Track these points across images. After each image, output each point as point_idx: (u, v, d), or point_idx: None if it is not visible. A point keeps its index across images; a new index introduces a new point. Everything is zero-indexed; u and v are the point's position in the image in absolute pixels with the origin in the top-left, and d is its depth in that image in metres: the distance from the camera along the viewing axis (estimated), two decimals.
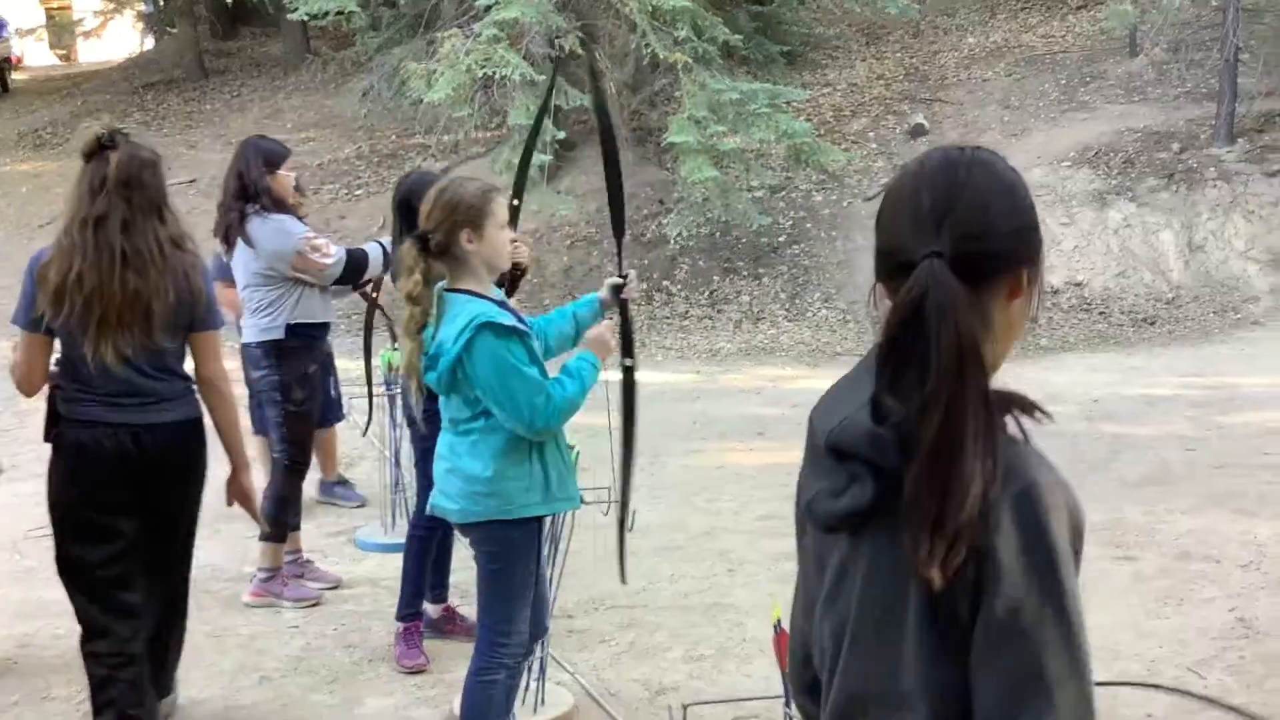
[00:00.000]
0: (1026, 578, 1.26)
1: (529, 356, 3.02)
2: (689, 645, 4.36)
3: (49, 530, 3.64)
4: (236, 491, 3.49)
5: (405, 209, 4.15)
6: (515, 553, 3.10)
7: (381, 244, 4.67)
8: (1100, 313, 10.66)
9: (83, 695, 3.98)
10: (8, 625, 4.63)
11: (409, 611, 4.24)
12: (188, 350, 3.36)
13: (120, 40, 24.17)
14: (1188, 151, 11.91)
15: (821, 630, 1.47)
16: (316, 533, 5.56)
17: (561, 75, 11.38)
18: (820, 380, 8.60)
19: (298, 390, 4.59)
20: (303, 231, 4.54)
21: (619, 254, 3.59)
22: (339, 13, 12.17)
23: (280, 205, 4.57)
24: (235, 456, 3.44)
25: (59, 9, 28.48)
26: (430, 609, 4.41)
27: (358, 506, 5.99)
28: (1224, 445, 6.78)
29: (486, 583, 3.15)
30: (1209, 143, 11.89)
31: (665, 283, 11.37)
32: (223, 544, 5.39)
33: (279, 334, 4.55)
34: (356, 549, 5.48)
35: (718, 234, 11.61)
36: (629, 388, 3.52)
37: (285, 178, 4.66)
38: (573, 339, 3.39)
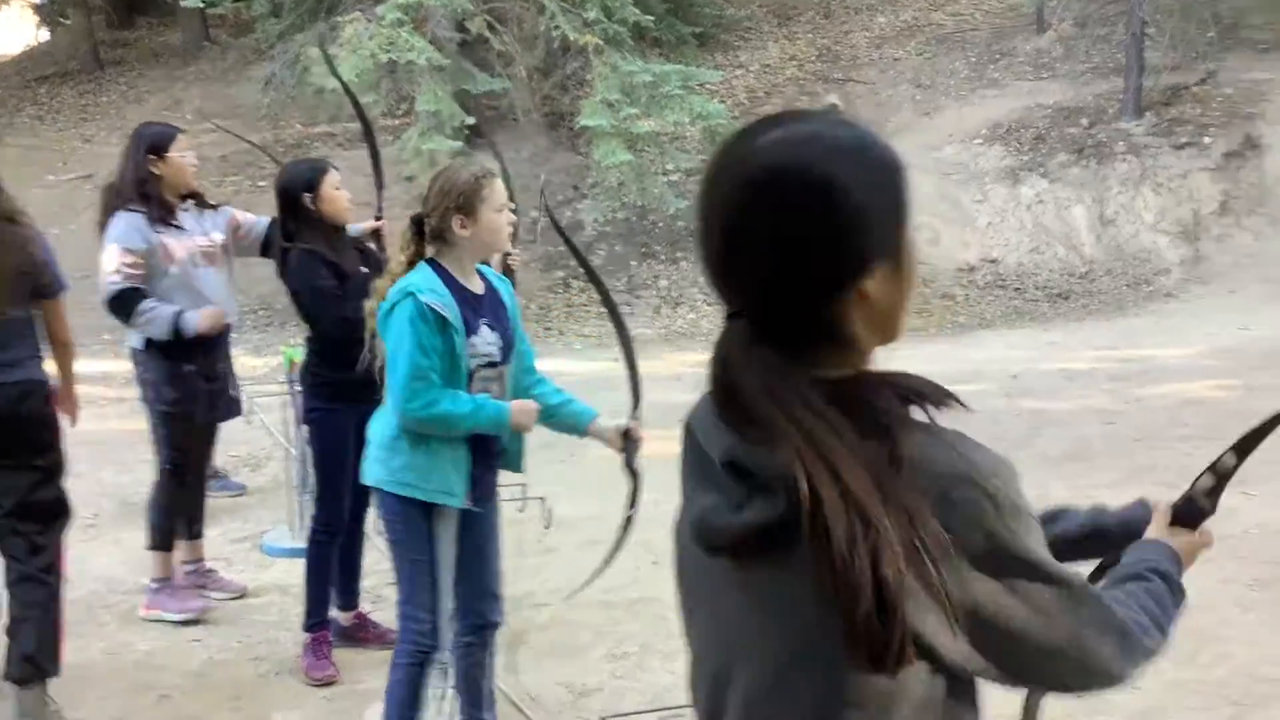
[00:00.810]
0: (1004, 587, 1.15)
1: (436, 345, 2.88)
2: (612, 643, 4.22)
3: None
4: (62, 400, 3.79)
5: (285, 197, 4.00)
6: (403, 528, 3.05)
7: (180, 312, 4.29)
8: (1016, 289, 10.70)
9: None
10: None
11: (314, 621, 4.04)
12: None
13: (14, 33, 23.37)
14: (1097, 126, 12.01)
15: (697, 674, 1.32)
16: (221, 539, 5.32)
17: (469, 60, 11.16)
18: None
19: (169, 390, 4.34)
20: (114, 250, 4.26)
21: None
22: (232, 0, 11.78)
23: (152, 199, 4.31)
24: (65, 375, 3.82)
25: None
26: (340, 617, 4.21)
27: (236, 495, 5.81)
28: (1142, 418, 6.80)
29: (392, 557, 3.14)
30: (1117, 117, 12.00)
31: (582, 269, 11.19)
32: (122, 554, 5.13)
33: (142, 336, 4.33)
34: (263, 555, 5.24)
35: (634, 219, 11.47)
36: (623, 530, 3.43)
37: (176, 159, 4.39)
38: (574, 430, 3.29)
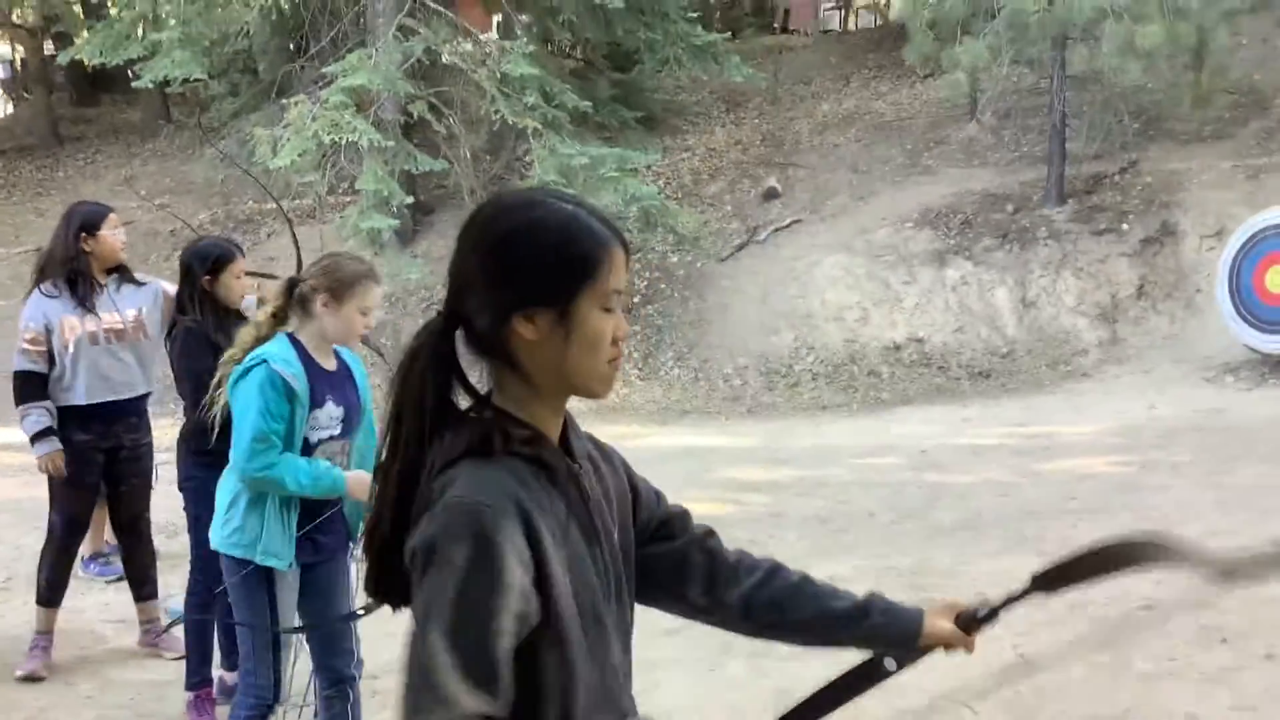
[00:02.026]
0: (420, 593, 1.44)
1: (282, 412, 3.09)
2: None
3: None
4: None
5: (185, 273, 4.25)
6: (241, 590, 3.22)
7: (40, 433, 4.55)
8: (939, 367, 11.01)
9: None
10: None
11: (197, 680, 4.20)
12: None
13: None
14: (1021, 212, 12.43)
15: None
16: (125, 597, 5.46)
17: (412, 141, 11.49)
18: (667, 438, 8.72)
19: (61, 456, 4.58)
20: (24, 324, 4.54)
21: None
22: (185, 80, 12.12)
23: (84, 276, 4.56)
24: None
25: None
26: (226, 675, 4.36)
27: (116, 580, 5.83)
28: (1036, 491, 7.05)
29: (235, 617, 3.33)
30: (1041, 204, 12.43)
31: None
32: (29, 614, 5.26)
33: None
34: (168, 616, 5.38)
35: None
36: None
37: (108, 237, 4.64)
38: None
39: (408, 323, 11.64)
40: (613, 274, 1.51)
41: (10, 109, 22.14)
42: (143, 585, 4.85)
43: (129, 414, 4.67)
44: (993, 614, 1.83)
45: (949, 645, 1.82)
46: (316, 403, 3.20)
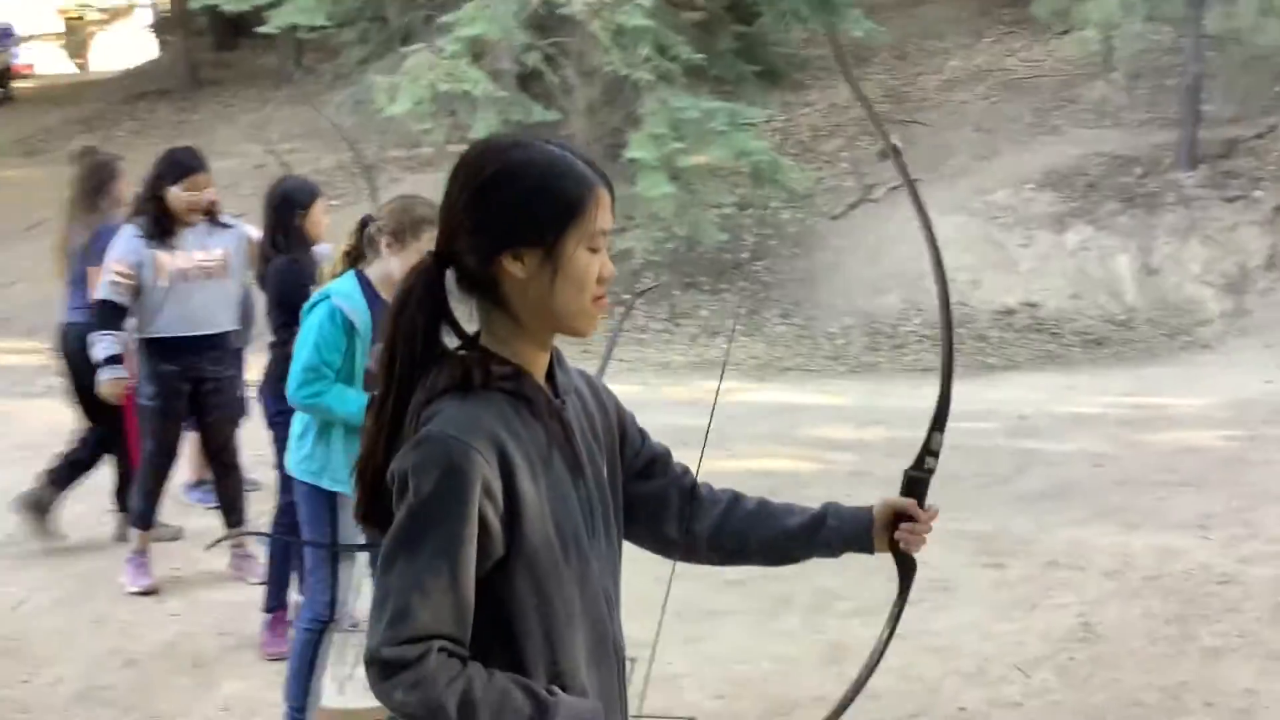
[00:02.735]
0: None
1: (339, 346, 3.23)
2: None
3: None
4: None
5: (280, 211, 4.42)
6: (308, 511, 3.42)
7: (105, 360, 4.76)
8: (1052, 333, 10.76)
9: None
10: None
11: (274, 603, 4.41)
12: None
13: (135, 50, 24.61)
14: (1150, 176, 12.01)
15: None
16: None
17: (526, 92, 11.60)
18: (764, 394, 8.72)
19: (147, 386, 4.84)
20: (117, 256, 4.74)
21: None
22: (313, 28, 12.40)
23: (171, 216, 4.76)
24: None
25: (76, 18, 28.97)
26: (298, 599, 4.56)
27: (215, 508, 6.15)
28: (1133, 463, 6.88)
29: (303, 535, 3.53)
30: (1171, 168, 11.99)
31: (626, 296, 11.51)
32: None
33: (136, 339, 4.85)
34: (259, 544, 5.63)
35: (682, 249, 11.78)
36: None
37: (201, 181, 4.84)
38: None
39: None
40: (598, 214, 1.57)
41: (158, 52, 22.95)
42: (230, 513, 5.08)
43: (213, 348, 4.88)
44: (922, 462, 1.89)
45: (908, 520, 1.85)
46: (380, 337, 3.33)
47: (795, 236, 12.19)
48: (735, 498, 1.87)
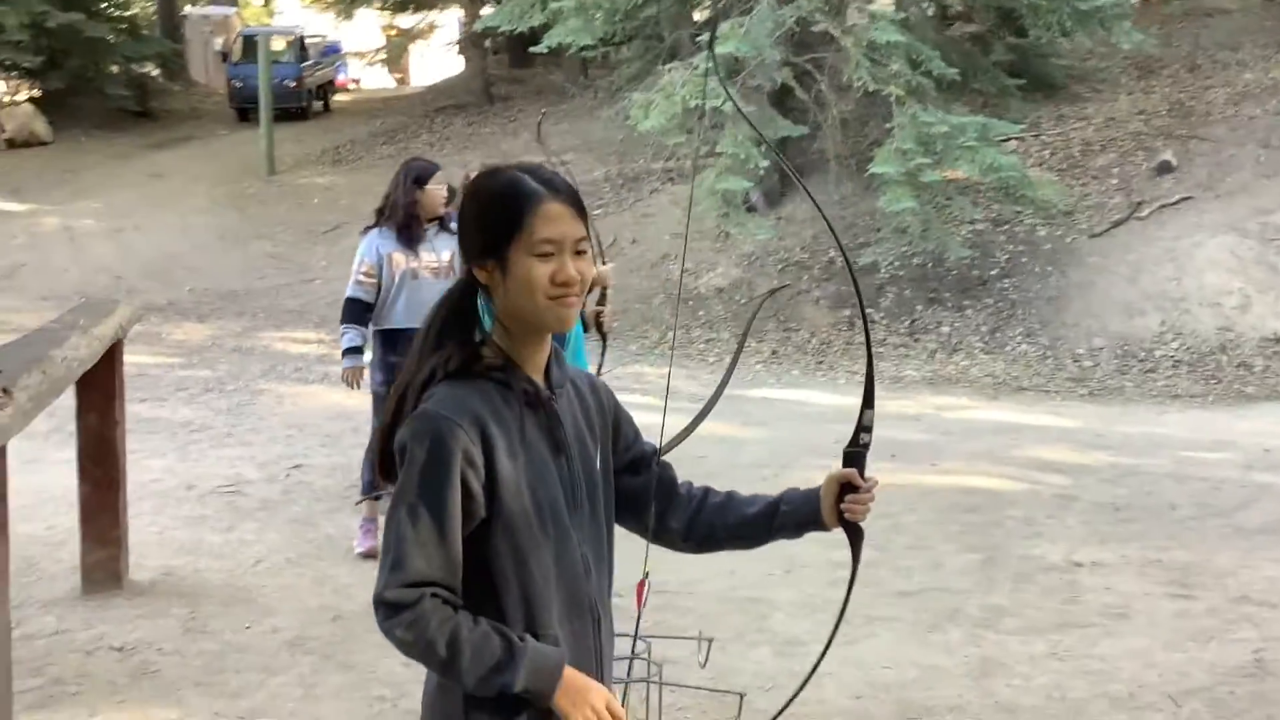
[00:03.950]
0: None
1: None
2: (704, 629, 4.72)
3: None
4: None
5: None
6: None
7: (349, 349, 5.47)
8: None
9: (193, 613, 4.83)
10: (165, 557, 5.55)
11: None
12: None
13: (446, 66, 26.42)
14: None
15: None
16: None
17: (777, 110, 11.84)
18: (990, 412, 8.66)
19: (377, 373, 5.49)
20: (358, 260, 5.45)
21: None
22: (584, 48, 13.08)
23: (416, 220, 5.39)
24: None
25: (395, 36, 31.32)
26: None
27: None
28: None
29: None
30: None
31: (868, 310, 11.58)
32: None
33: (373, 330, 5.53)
34: None
35: (929, 264, 11.73)
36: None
37: (433, 191, 5.48)
38: None
39: (761, 281, 12.08)
40: (540, 226, 1.83)
41: (462, 68, 24.53)
42: None
43: None
44: (857, 438, 2.04)
45: (852, 490, 2.00)
46: None
47: (1049, 254, 11.88)
48: (706, 492, 2.10)
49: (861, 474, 2.01)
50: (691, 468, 2.06)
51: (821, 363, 10.68)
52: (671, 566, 4.01)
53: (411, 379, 1.88)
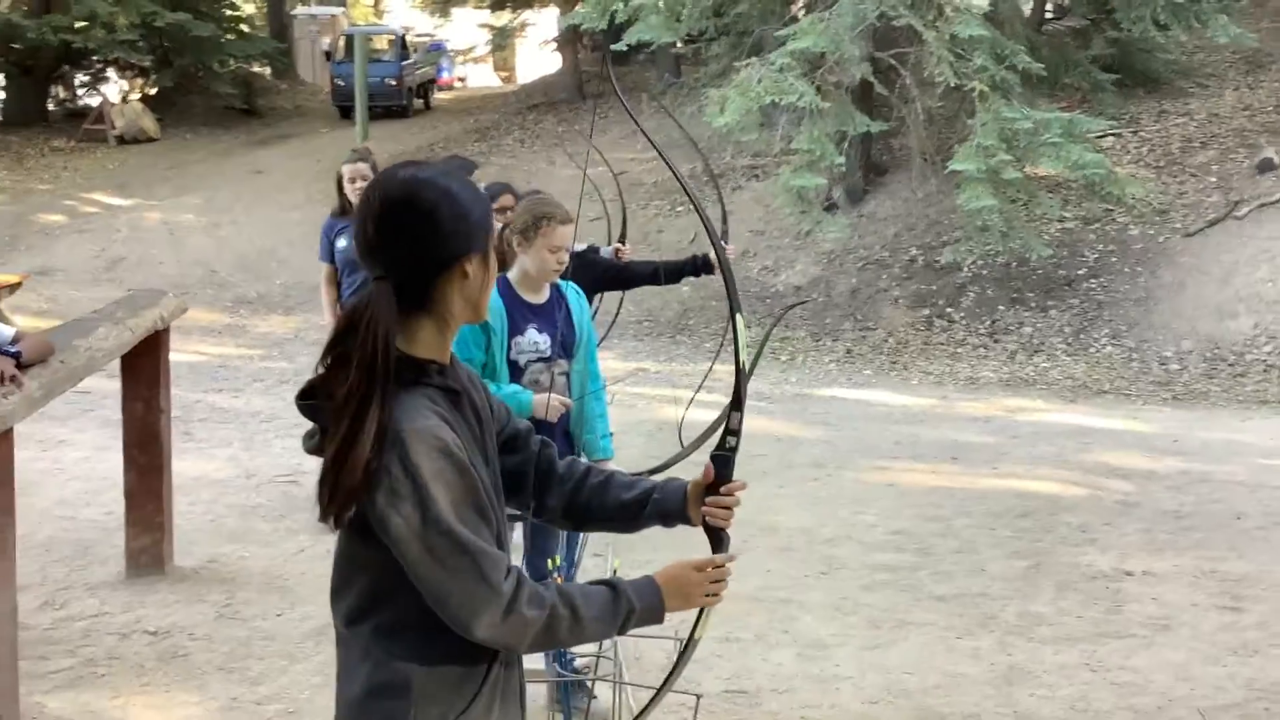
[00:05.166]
0: (405, 514, 1.71)
1: (479, 342, 3.61)
2: (730, 630, 4.69)
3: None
4: None
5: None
6: None
7: None
8: None
9: (229, 599, 4.94)
10: (214, 544, 5.68)
11: None
12: None
13: (552, 64, 26.59)
14: None
15: None
16: None
17: (859, 108, 11.65)
18: (1064, 415, 8.43)
19: None
20: None
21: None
22: (670, 45, 13.05)
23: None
24: None
25: (498, 34, 31.59)
26: None
27: None
28: None
29: None
30: None
31: (949, 310, 11.36)
32: None
33: None
34: None
35: (1013, 264, 11.46)
36: None
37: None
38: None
39: (840, 280, 11.94)
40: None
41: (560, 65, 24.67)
42: None
43: None
44: (724, 442, 1.98)
45: (719, 489, 1.96)
46: (517, 330, 3.67)
47: (1140, 254, 11.52)
48: (586, 473, 2.06)
49: (728, 478, 1.96)
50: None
51: (896, 363, 10.50)
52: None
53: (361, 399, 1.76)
